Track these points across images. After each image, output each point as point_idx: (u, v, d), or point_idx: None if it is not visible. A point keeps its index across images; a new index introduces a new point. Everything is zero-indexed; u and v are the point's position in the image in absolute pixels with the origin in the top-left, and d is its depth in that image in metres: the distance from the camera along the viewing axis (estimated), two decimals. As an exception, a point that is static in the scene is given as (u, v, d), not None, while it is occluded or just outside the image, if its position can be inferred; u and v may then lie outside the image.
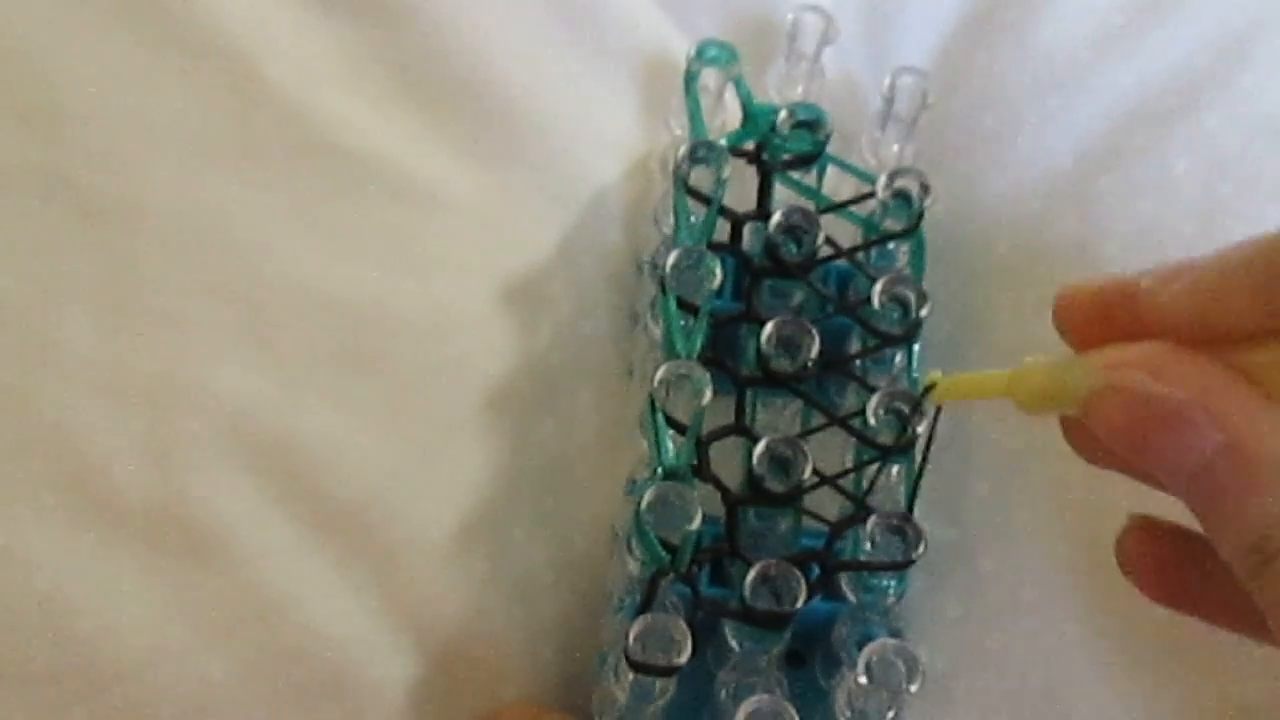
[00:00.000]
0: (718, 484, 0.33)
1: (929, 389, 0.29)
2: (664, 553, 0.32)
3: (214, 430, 0.35)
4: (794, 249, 0.36)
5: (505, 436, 0.37)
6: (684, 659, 0.30)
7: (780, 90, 0.40)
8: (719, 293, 0.35)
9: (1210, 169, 0.38)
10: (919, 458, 0.32)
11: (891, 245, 0.37)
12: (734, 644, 0.33)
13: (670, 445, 0.33)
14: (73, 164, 0.36)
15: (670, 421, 0.33)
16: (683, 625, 0.31)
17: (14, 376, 0.34)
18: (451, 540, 0.36)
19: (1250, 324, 0.21)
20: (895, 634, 0.33)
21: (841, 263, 0.37)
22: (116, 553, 0.33)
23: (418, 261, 0.38)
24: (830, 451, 0.35)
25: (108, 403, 0.34)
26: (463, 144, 0.39)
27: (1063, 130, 0.40)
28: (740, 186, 0.37)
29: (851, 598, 0.34)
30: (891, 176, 0.36)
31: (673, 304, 0.34)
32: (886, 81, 0.38)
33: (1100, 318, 0.24)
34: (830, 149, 0.37)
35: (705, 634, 0.33)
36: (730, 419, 0.34)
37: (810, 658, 0.36)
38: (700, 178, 0.36)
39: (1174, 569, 0.26)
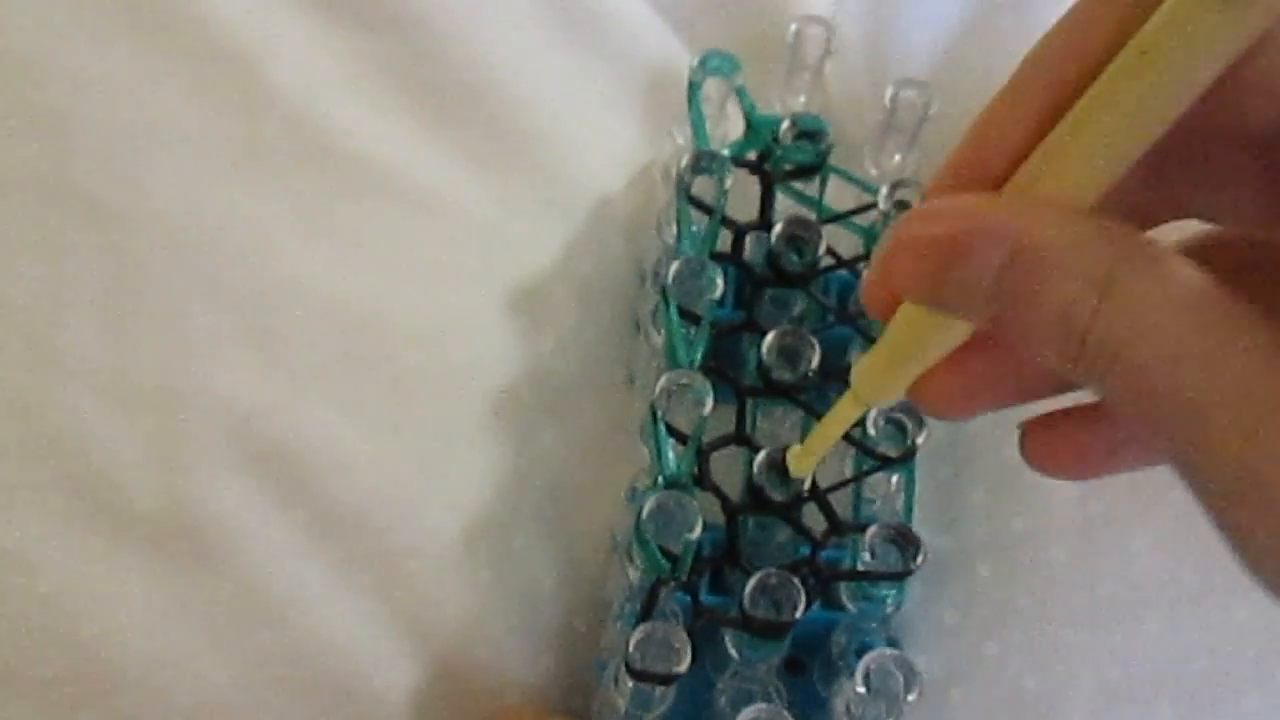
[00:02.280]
0: (718, 493, 0.33)
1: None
2: (664, 561, 0.32)
3: (219, 435, 0.35)
4: (795, 259, 0.36)
5: (507, 443, 0.37)
6: (683, 667, 0.31)
7: (783, 100, 0.40)
8: (721, 302, 0.35)
9: None
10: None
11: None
12: (733, 652, 0.33)
13: (671, 454, 0.33)
14: (79, 169, 0.36)
15: (671, 430, 0.33)
16: (682, 634, 0.31)
17: (20, 381, 0.34)
18: (454, 546, 0.36)
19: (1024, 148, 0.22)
20: (893, 643, 0.33)
21: (843, 273, 0.37)
22: (122, 557, 0.33)
23: (422, 268, 0.38)
24: (830, 462, 0.35)
25: (113, 407, 0.34)
26: (466, 151, 0.39)
27: None
28: (742, 196, 0.37)
29: (850, 607, 0.34)
30: (893, 188, 0.36)
31: (675, 313, 0.34)
32: (889, 93, 0.38)
33: None
34: (832, 159, 0.38)
35: (705, 642, 0.33)
36: (731, 428, 0.34)
37: (809, 666, 0.36)
38: (703, 187, 0.36)
39: (1081, 441, 0.25)
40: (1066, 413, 0.25)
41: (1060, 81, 0.21)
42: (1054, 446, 0.25)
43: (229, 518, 0.34)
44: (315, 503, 0.35)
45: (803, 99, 0.40)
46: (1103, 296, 0.19)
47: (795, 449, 0.31)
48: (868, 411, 0.32)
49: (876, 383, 0.25)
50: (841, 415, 0.27)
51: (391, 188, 0.38)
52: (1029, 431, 0.25)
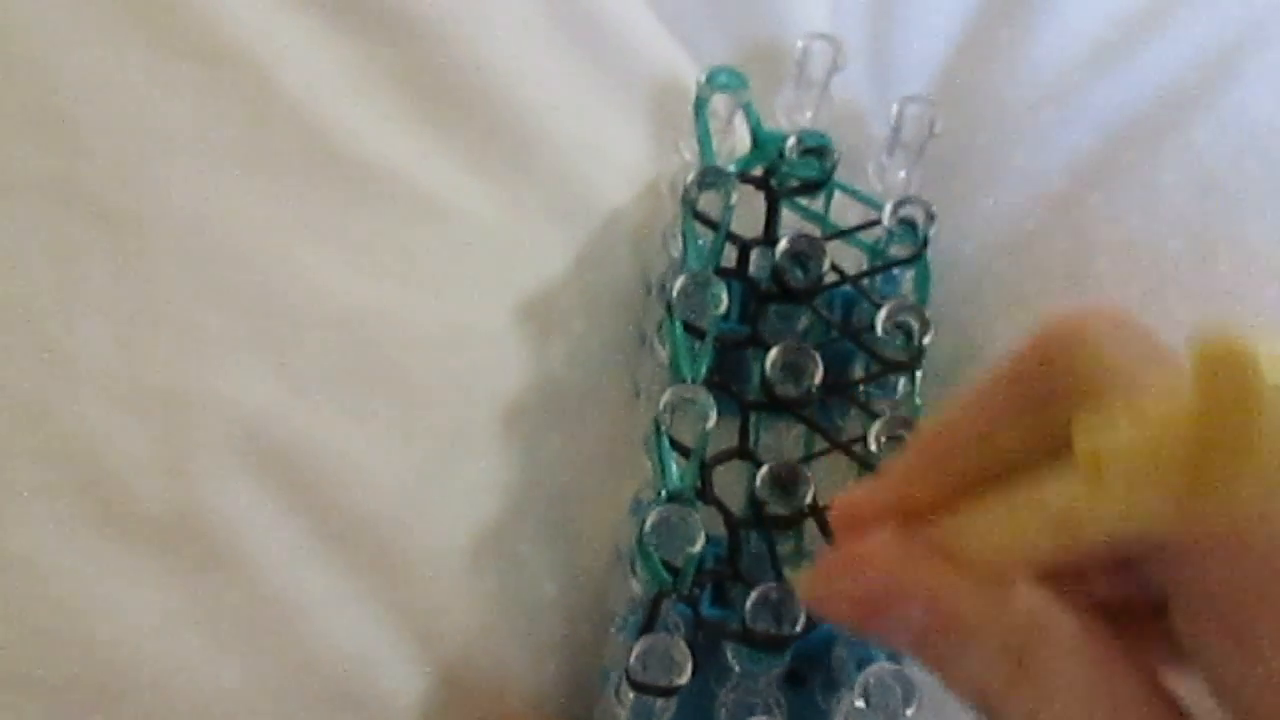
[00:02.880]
0: (720, 507, 0.33)
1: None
2: (666, 574, 0.32)
3: (228, 440, 0.35)
4: (800, 274, 0.36)
5: (514, 452, 0.38)
6: (685, 679, 0.31)
7: (789, 116, 0.40)
8: (725, 317, 0.35)
9: (1198, 184, 0.39)
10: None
11: (896, 271, 0.38)
12: (735, 665, 0.33)
13: (674, 468, 0.33)
14: (88, 173, 0.36)
15: (675, 444, 0.34)
16: (684, 646, 0.31)
17: (31, 385, 0.34)
18: (460, 553, 0.36)
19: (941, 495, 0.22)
20: (893, 657, 0.33)
21: (846, 288, 0.37)
22: (132, 561, 0.34)
23: (430, 275, 0.38)
24: (833, 476, 0.36)
25: (124, 412, 0.35)
26: (474, 160, 0.39)
27: (1055, 147, 0.41)
28: (748, 212, 0.37)
29: (851, 620, 0.34)
30: (897, 205, 0.37)
31: (679, 328, 0.35)
32: (894, 110, 0.38)
33: None
34: (837, 174, 0.38)
35: (706, 655, 0.33)
36: (734, 442, 0.35)
37: (811, 679, 0.36)
38: (709, 202, 0.37)
39: None
40: None
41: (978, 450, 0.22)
42: None
43: (237, 522, 0.34)
44: (323, 509, 0.35)
45: (809, 115, 0.40)
46: (1015, 679, 0.21)
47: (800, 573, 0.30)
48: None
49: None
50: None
51: (400, 195, 0.38)
52: None
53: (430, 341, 0.37)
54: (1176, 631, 0.21)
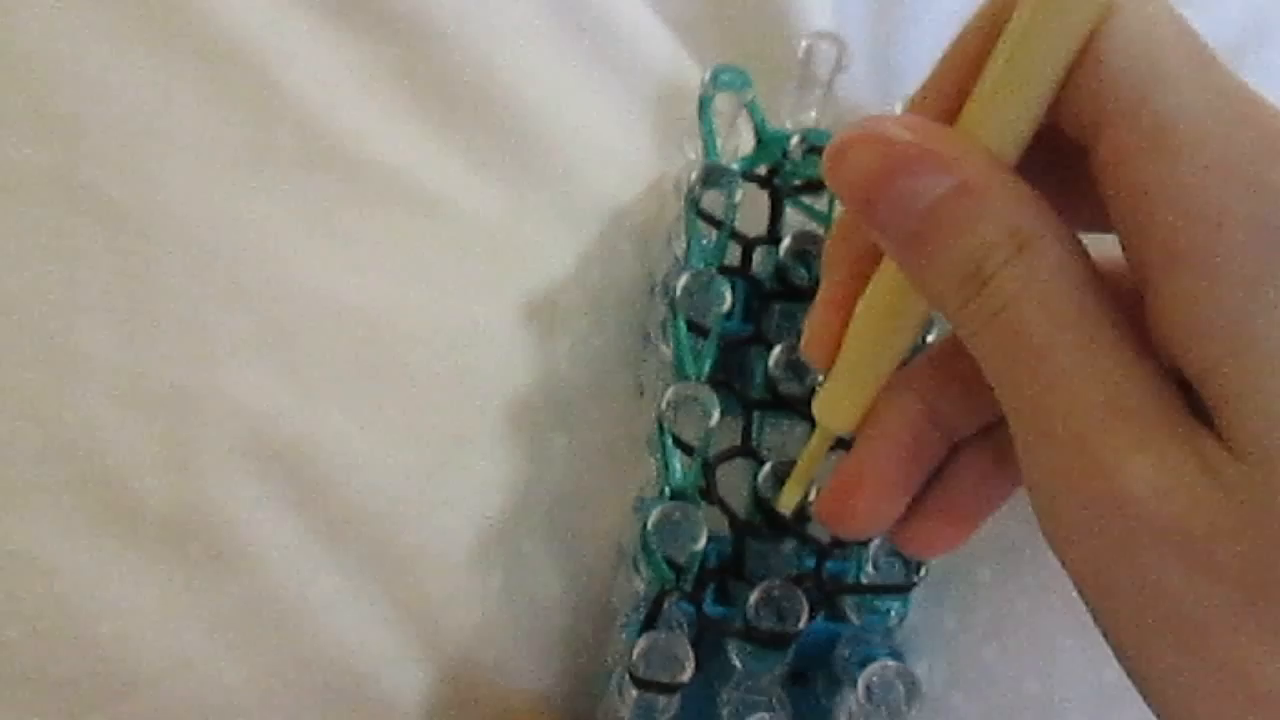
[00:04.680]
0: (723, 506, 0.34)
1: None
2: (669, 572, 0.32)
3: (232, 438, 0.35)
4: (803, 273, 0.36)
5: (518, 450, 0.38)
6: (687, 677, 0.31)
7: (793, 116, 0.40)
8: (729, 315, 0.35)
9: None
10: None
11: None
12: (737, 663, 0.34)
13: (678, 465, 0.33)
14: (92, 172, 0.36)
15: (678, 442, 0.34)
16: (686, 644, 0.31)
17: (34, 383, 0.35)
18: (464, 551, 0.36)
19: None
20: (896, 655, 0.33)
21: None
22: (136, 559, 0.34)
23: (434, 274, 0.38)
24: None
25: (127, 410, 0.35)
26: (478, 160, 0.40)
27: None
28: (752, 210, 0.37)
29: (854, 620, 0.34)
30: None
31: (683, 326, 0.35)
32: (897, 109, 0.38)
33: None
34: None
35: (709, 652, 0.33)
36: (738, 440, 0.35)
37: (813, 677, 0.36)
38: (712, 201, 0.37)
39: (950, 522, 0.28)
40: (925, 507, 0.27)
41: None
42: (929, 536, 0.28)
43: (241, 520, 0.35)
44: (327, 506, 0.35)
45: (813, 114, 0.40)
46: (1016, 252, 0.22)
47: (781, 493, 0.32)
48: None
49: (836, 409, 0.27)
50: (815, 450, 0.29)
51: (403, 194, 0.38)
52: (897, 534, 0.28)
53: (434, 340, 0.38)
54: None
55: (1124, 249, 0.22)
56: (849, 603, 0.34)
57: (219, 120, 0.38)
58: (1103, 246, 0.23)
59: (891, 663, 0.32)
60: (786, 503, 0.31)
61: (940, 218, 0.22)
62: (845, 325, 0.26)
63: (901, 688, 0.31)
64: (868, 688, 0.31)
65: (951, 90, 0.24)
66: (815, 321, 0.27)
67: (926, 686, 0.32)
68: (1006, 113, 0.23)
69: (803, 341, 0.28)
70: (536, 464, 0.38)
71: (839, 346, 0.27)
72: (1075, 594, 0.36)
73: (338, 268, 0.37)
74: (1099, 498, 0.21)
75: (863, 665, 0.32)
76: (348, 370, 0.37)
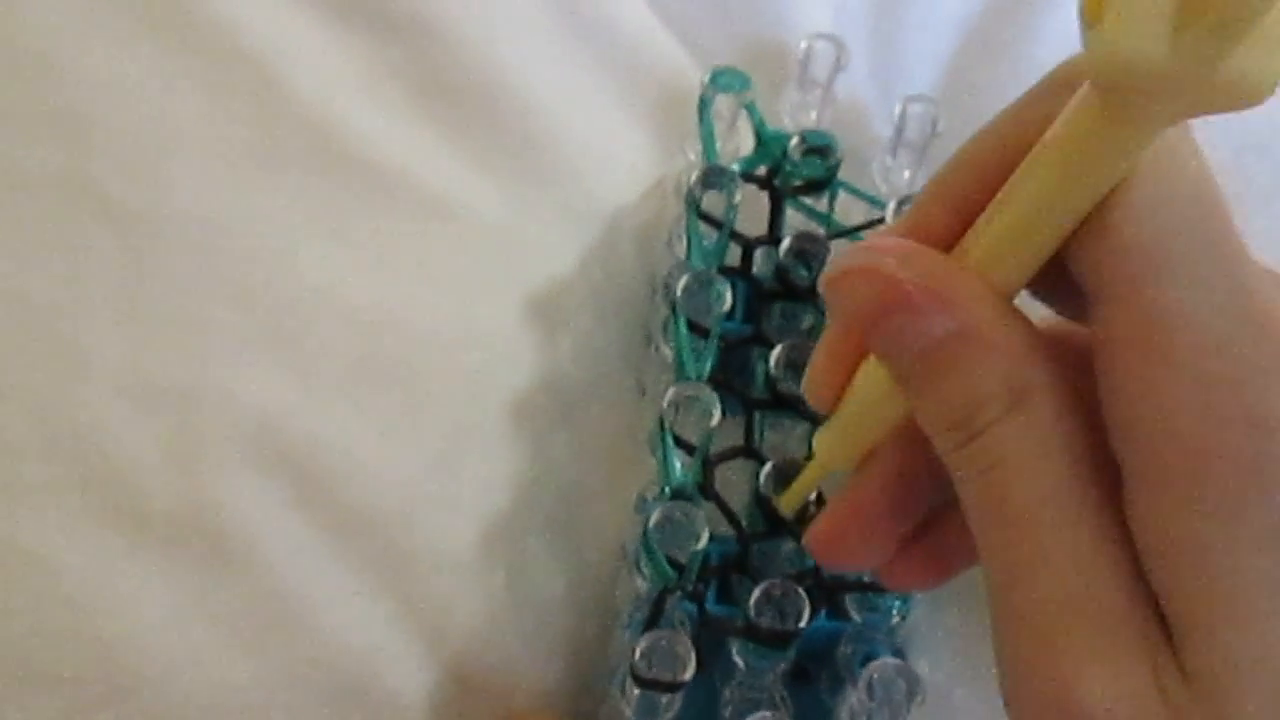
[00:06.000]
0: (722, 505, 0.34)
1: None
2: (671, 570, 0.32)
3: (237, 436, 0.35)
4: (804, 273, 0.36)
5: (521, 449, 0.38)
6: (688, 675, 0.31)
7: (793, 116, 0.41)
8: (729, 315, 0.35)
9: None
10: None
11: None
12: (739, 661, 0.34)
13: (678, 465, 0.34)
14: (98, 171, 0.36)
15: (679, 442, 0.34)
16: (688, 642, 0.31)
17: (41, 381, 0.35)
18: (468, 550, 0.36)
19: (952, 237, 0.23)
20: (898, 652, 0.33)
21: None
22: (141, 557, 0.34)
23: (437, 274, 0.38)
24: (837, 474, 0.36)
25: (133, 408, 0.35)
26: (480, 160, 0.40)
27: None
28: (752, 211, 0.38)
29: (856, 618, 0.34)
30: (900, 202, 0.37)
31: (684, 326, 0.35)
32: (897, 109, 0.39)
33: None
34: (841, 174, 0.38)
35: (711, 651, 0.33)
36: (739, 440, 0.35)
37: (815, 675, 0.36)
38: (712, 202, 0.37)
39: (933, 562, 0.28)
40: (915, 544, 0.27)
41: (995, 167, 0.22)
42: (909, 575, 0.27)
43: (246, 519, 0.35)
44: (331, 505, 0.35)
45: (813, 115, 0.40)
46: (1010, 409, 0.21)
47: (782, 497, 0.33)
48: None
49: (835, 452, 0.27)
50: (810, 477, 0.30)
51: (407, 194, 0.39)
52: (884, 571, 0.27)
53: (438, 339, 0.38)
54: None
55: (1106, 418, 0.21)
56: (851, 600, 0.34)
57: (225, 120, 0.38)
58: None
59: (893, 660, 0.32)
60: (787, 509, 0.31)
61: (938, 361, 0.21)
62: (847, 373, 0.26)
63: (903, 685, 0.31)
64: (869, 685, 0.31)
65: (958, 198, 0.23)
66: (818, 368, 0.26)
67: (928, 684, 0.32)
68: (1017, 255, 0.22)
69: (804, 382, 0.27)
70: (539, 463, 0.38)
71: (841, 394, 0.26)
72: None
73: (342, 267, 0.38)
74: (1053, 702, 0.21)
75: (865, 663, 0.32)
76: (352, 369, 0.37)
